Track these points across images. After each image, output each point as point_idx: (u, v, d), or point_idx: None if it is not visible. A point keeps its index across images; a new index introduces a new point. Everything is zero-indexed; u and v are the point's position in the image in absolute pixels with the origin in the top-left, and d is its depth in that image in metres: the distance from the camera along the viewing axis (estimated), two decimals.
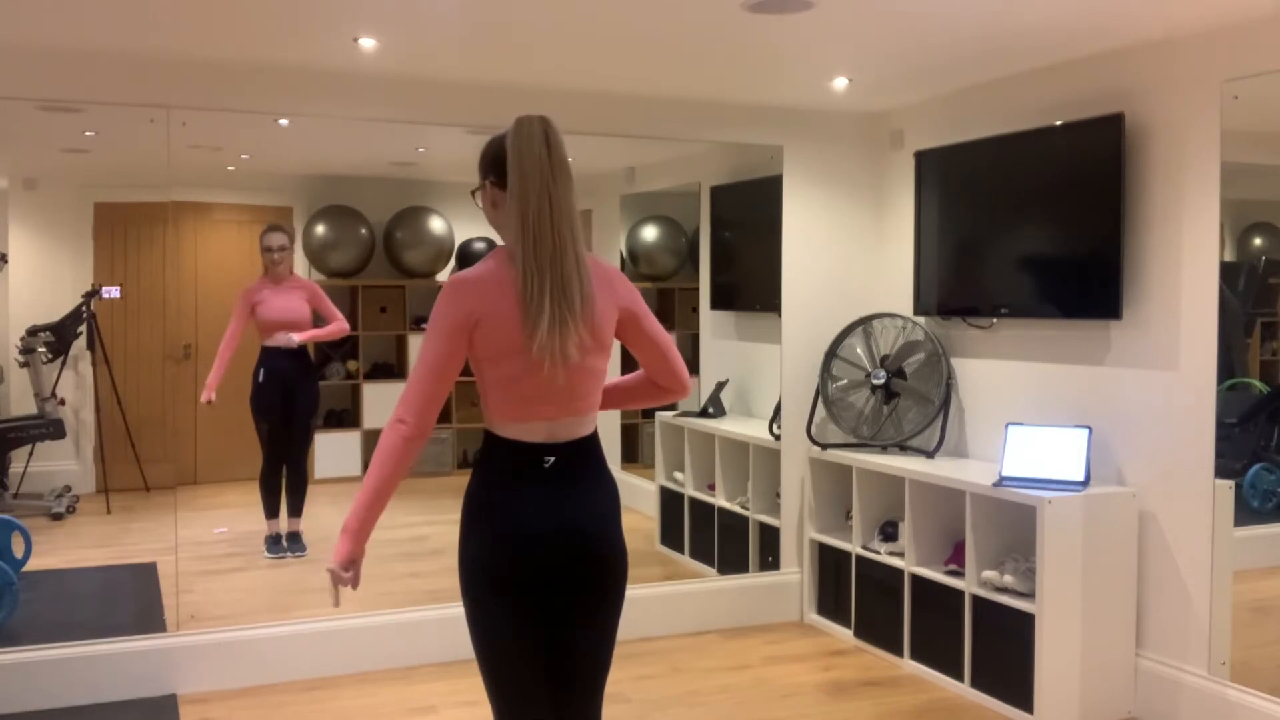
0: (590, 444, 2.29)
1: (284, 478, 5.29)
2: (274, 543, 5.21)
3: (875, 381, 4.80)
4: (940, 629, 4.20)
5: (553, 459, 2.21)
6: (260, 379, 5.21)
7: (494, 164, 2.20)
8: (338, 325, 5.35)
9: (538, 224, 2.10)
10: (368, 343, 6.06)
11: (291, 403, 5.29)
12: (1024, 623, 3.79)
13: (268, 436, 5.23)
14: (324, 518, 5.60)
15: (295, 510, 5.33)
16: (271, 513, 5.22)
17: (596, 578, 2.26)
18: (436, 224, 6.09)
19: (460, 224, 6.09)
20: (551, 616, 2.24)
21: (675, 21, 3.54)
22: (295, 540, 5.33)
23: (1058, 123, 4.09)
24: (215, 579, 4.93)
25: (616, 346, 2.32)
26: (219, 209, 5.75)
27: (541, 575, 2.20)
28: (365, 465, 5.96)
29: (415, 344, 6.15)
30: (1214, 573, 3.63)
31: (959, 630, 4.10)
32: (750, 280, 5.54)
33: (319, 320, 5.36)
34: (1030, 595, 3.81)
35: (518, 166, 2.11)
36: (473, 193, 2.32)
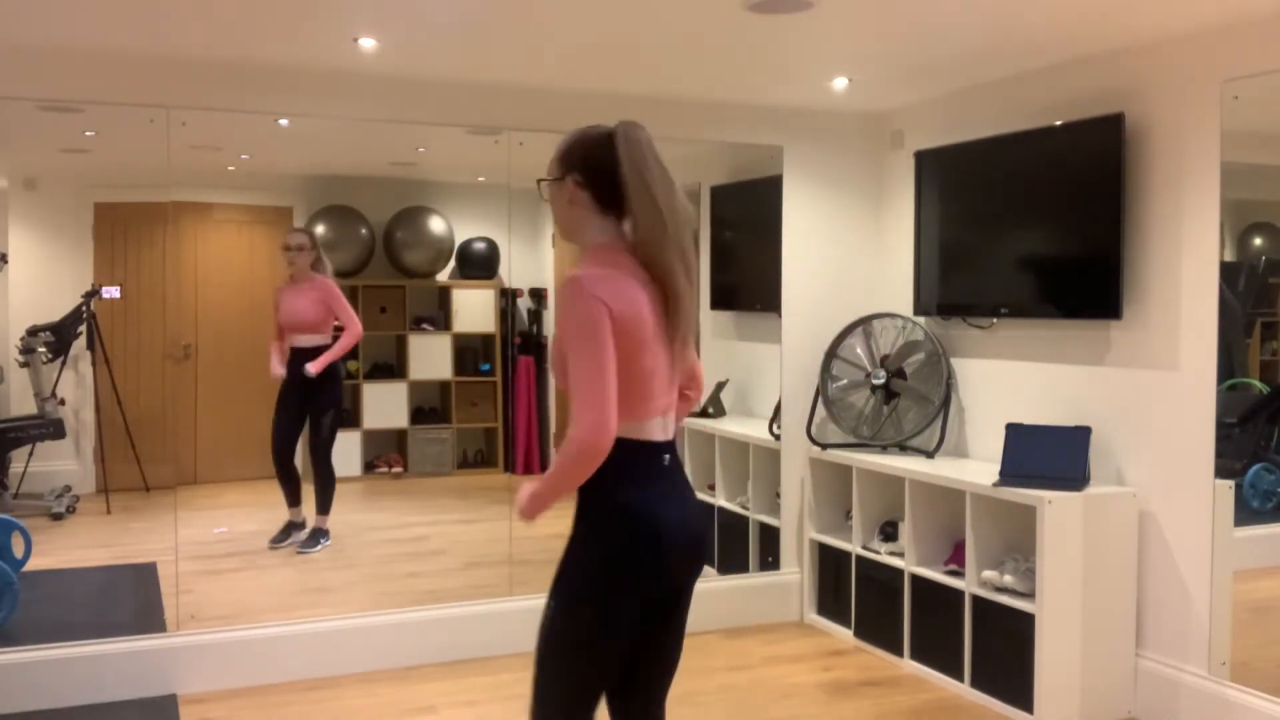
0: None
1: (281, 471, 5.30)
2: (313, 536, 5.23)
3: (875, 381, 4.80)
4: (940, 629, 4.20)
5: (669, 457, 2.20)
6: (286, 376, 5.26)
7: (588, 168, 2.19)
8: (349, 334, 5.35)
9: (676, 226, 2.14)
10: (368, 343, 6.06)
11: (307, 402, 5.31)
12: (1024, 623, 3.79)
13: (275, 424, 5.25)
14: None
15: (320, 507, 5.32)
16: (289, 500, 5.25)
17: (693, 578, 2.28)
18: (436, 224, 6.09)
19: (460, 224, 6.09)
20: (656, 617, 2.24)
21: (675, 21, 3.54)
22: (313, 535, 5.30)
23: (1058, 123, 4.09)
24: (215, 579, 4.93)
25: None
26: (219, 209, 5.75)
27: (670, 576, 2.18)
28: (366, 465, 6.03)
29: (415, 344, 6.15)
30: (1214, 573, 3.63)
31: (959, 630, 4.10)
32: (750, 280, 5.54)
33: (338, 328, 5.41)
34: (1030, 595, 3.81)
35: (639, 170, 2.14)
36: (540, 182, 2.30)
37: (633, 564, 2.11)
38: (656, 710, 2.36)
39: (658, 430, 2.17)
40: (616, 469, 2.09)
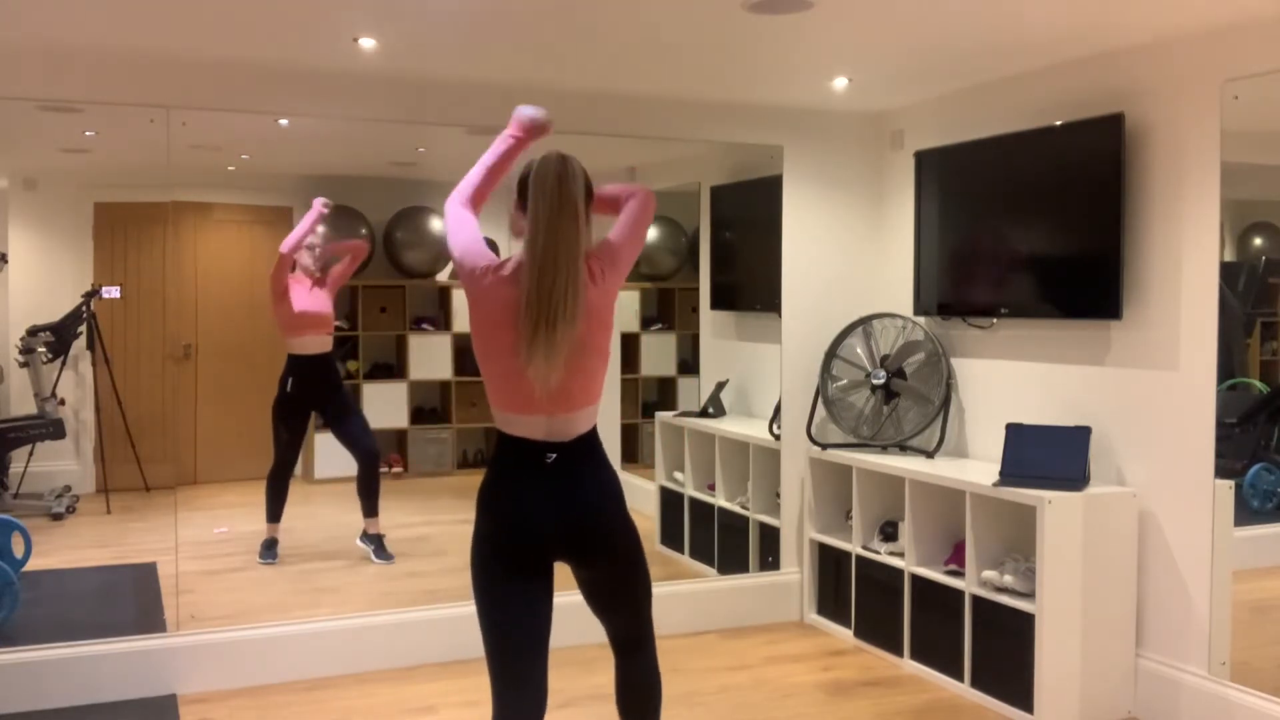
0: (589, 440, 2.45)
1: (287, 483, 5.21)
2: (268, 548, 5.14)
3: (875, 381, 4.80)
4: (940, 629, 4.20)
5: (554, 455, 2.38)
6: (288, 388, 5.13)
7: (520, 187, 2.43)
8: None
9: (542, 251, 2.31)
10: (368, 343, 6.06)
11: (322, 409, 5.27)
12: (1024, 623, 3.80)
13: (286, 443, 5.14)
14: (325, 517, 5.61)
15: (371, 510, 5.25)
16: (273, 516, 5.14)
17: (599, 549, 2.48)
18: (436, 224, 6.09)
19: None
20: (580, 579, 2.55)
21: (675, 21, 3.54)
22: (380, 545, 5.23)
23: (1058, 123, 4.09)
24: (215, 579, 4.93)
25: (616, 341, 2.41)
26: (219, 209, 5.75)
27: (537, 556, 2.42)
28: None
29: (415, 344, 6.15)
30: (1214, 573, 3.63)
31: (959, 630, 4.10)
32: (750, 280, 5.54)
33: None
34: (1030, 595, 3.81)
35: (533, 197, 2.34)
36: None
37: (481, 533, 2.43)
38: (627, 626, 2.63)
39: (532, 429, 2.39)
40: (491, 458, 2.48)
